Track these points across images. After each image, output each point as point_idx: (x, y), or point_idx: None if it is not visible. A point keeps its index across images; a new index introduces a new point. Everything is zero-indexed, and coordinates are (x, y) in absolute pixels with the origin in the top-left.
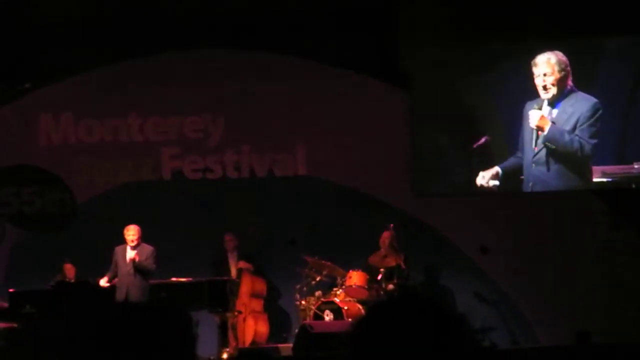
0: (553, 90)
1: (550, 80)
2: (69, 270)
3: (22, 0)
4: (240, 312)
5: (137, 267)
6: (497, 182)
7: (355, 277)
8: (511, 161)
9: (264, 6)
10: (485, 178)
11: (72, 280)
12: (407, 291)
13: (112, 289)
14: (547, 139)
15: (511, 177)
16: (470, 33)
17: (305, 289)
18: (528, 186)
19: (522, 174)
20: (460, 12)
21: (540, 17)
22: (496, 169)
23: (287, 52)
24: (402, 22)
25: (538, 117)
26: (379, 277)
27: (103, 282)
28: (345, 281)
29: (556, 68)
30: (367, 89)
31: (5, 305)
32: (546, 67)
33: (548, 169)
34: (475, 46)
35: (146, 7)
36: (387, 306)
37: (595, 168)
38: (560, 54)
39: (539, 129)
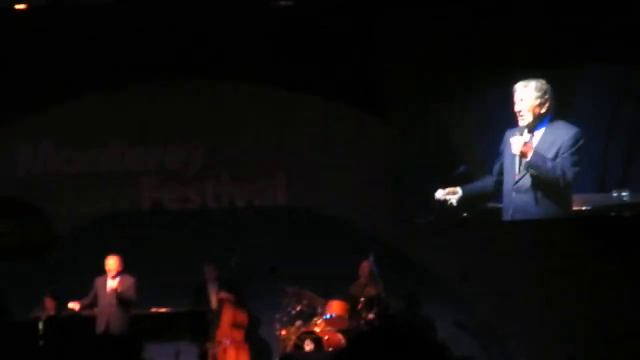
0: (528, 117)
1: (526, 106)
2: (49, 304)
3: (2, 30)
4: (220, 343)
5: (120, 298)
6: (455, 198)
7: (336, 307)
8: (476, 185)
9: (245, 36)
10: (442, 193)
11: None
12: (388, 321)
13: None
14: (530, 165)
15: (472, 200)
16: (451, 63)
17: (285, 318)
18: (508, 214)
19: (487, 199)
20: (439, 42)
21: (520, 46)
22: (457, 189)
23: (268, 82)
24: (382, 52)
25: (521, 143)
26: (360, 306)
27: (73, 305)
28: (325, 311)
29: (534, 94)
30: (347, 119)
31: None
32: (523, 93)
33: (529, 197)
34: (455, 75)
35: (126, 37)
36: (369, 337)
37: (575, 196)
38: (541, 82)
39: (523, 155)
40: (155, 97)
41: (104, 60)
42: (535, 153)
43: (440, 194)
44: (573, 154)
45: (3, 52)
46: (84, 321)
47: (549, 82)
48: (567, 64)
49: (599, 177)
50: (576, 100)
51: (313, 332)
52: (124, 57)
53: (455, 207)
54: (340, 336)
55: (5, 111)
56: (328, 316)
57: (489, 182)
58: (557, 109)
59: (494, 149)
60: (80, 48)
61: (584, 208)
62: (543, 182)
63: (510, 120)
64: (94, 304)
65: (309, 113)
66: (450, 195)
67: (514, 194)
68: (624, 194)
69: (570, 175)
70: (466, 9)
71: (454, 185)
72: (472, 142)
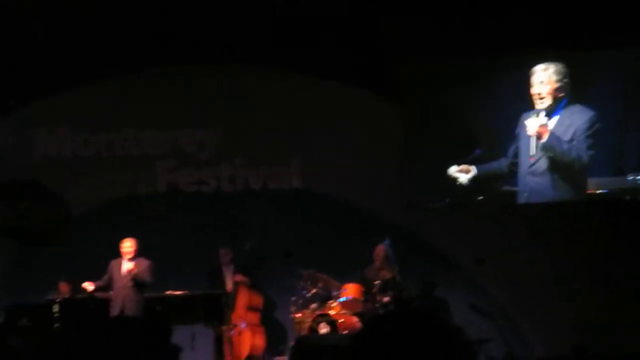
0: (548, 100)
1: (545, 89)
2: (64, 288)
3: (17, 13)
4: (235, 326)
5: (135, 279)
6: (467, 177)
7: (351, 290)
8: (489, 166)
9: (259, 21)
10: (454, 169)
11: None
12: (402, 304)
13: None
14: (545, 147)
15: (485, 180)
16: (466, 46)
17: (300, 301)
18: (523, 197)
19: (500, 180)
20: (452, 25)
21: (536, 28)
22: (470, 167)
23: (283, 66)
24: (397, 36)
25: (537, 124)
26: (374, 289)
27: (87, 284)
28: (340, 294)
29: (553, 78)
30: (362, 103)
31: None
32: (543, 76)
33: (545, 180)
34: (468, 58)
35: (142, 20)
36: (384, 319)
37: (590, 180)
38: (560, 64)
39: (539, 136)
40: (170, 81)
41: (119, 45)
42: (551, 134)
43: (452, 170)
44: (588, 137)
45: (19, 36)
46: (98, 303)
47: (565, 65)
48: (584, 47)
49: (614, 161)
50: (592, 83)
51: (328, 315)
52: (139, 41)
53: (468, 187)
54: (355, 319)
55: (21, 95)
56: (343, 299)
57: (502, 163)
58: (573, 92)
59: (510, 132)
60: (97, 32)
61: (599, 191)
62: (558, 164)
63: (526, 103)
64: (108, 286)
65: (323, 97)
66: (462, 172)
67: (529, 177)
68: (639, 177)
69: (585, 158)
70: None
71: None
72: (488, 125)
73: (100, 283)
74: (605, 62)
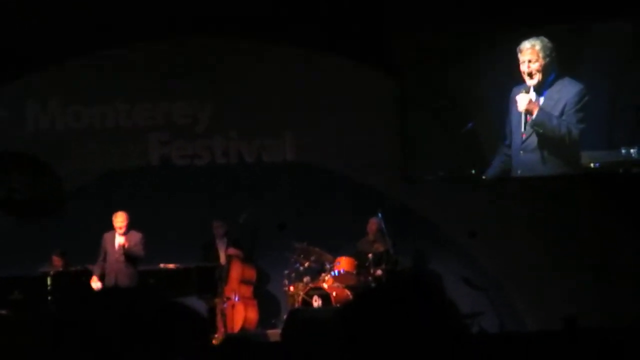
0: (538, 77)
1: (534, 67)
2: (57, 261)
3: None
4: (229, 299)
5: (127, 253)
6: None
7: (344, 263)
8: (498, 162)
9: None
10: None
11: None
12: (395, 277)
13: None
14: (535, 123)
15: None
16: (456, 19)
17: (293, 274)
18: (517, 173)
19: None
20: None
21: (525, 2)
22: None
23: (276, 38)
24: (389, 8)
25: (526, 100)
26: (367, 262)
27: (95, 283)
28: (333, 267)
29: (541, 54)
30: (356, 75)
31: None
32: (530, 53)
33: (536, 156)
34: (461, 32)
35: None
36: (376, 292)
37: (582, 153)
38: (545, 40)
39: (528, 112)
40: (163, 53)
41: (111, 17)
42: (541, 110)
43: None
44: (578, 111)
45: (9, 9)
46: (91, 276)
47: (554, 39)
48: (574, 20)
49: (607, 134)
50: (583, 57)
51: (321, 288)
52: (130, 13)
53: (463, 163)
54: (347, 292)
55: (12, 68)
56: (336, 272)
57: (503, 150)
58: (562, 66)
59: (502, 105)
60: (88, 4)
61: (592, 164)
62: (549, 140)
63: (517, 76)
64: (104, 260)
65: (318, 70)
66: None
67: (521, 153)
68: (632, 150)
69: (575, 132)
70: None
71: (462, 141)
72: (481, 98)
73: (101, 265)
74: (595, 34)
